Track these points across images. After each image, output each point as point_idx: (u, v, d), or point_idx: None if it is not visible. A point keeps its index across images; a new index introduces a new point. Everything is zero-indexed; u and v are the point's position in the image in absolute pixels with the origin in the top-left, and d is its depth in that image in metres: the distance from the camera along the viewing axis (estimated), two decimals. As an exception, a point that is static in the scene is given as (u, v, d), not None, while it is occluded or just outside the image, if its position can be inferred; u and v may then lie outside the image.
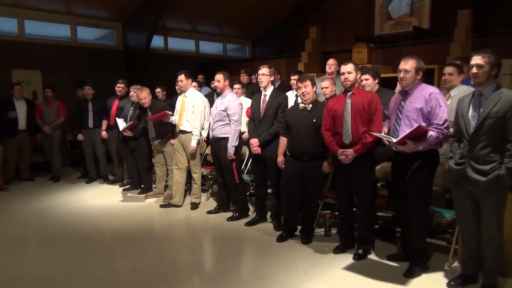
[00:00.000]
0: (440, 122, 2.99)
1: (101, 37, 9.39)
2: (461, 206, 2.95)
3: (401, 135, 3.03)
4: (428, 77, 5.44)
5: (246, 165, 5.38)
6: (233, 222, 4.68)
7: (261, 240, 4.12)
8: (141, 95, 5.45)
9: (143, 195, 5.87)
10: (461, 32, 6.68)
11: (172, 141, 5.42)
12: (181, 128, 5.09)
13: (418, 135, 2.98)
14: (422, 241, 3.26)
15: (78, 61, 8.66)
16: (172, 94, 6.59)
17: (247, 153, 5.18)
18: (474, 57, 2.78)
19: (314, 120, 3.77)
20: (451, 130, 3.12)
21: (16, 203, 5.63)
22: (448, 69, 3.87)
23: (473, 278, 3.02)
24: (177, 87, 5.74)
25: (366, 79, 4.09)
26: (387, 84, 4.50)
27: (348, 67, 3.53)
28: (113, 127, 6.44)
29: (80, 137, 6.79)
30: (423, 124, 3.04)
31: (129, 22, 9.28)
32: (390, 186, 4.05)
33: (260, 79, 4.39)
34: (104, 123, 6.63)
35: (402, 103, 3.20)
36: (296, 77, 4.79)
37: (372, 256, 3.62)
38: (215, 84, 4.82)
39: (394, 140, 3.05)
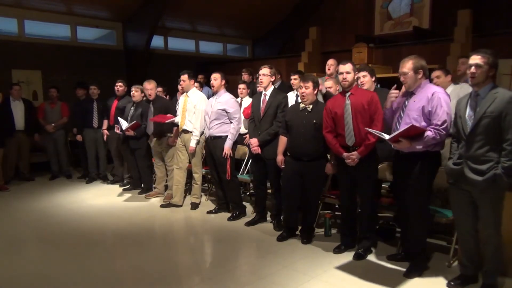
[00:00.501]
0: (439, 123, 2.96)
1: (101, 37, 9.40)
2: (458, 207, 2.95)
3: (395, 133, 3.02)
4: (428, 77, 5.43)
5: (246, 165, 5.39)
6: (233, 222, 4.68)
7: (261, 240, 4.12)
8: (148, 86, 5.54)
9: (143, 195, 5.87)
10: (461, 32, 6.69)
11: (171, 141, 5.42)
12: (184, 127, 5.09)
13: (413, 134, 2.96)
14: (422, 241, 3.25)
15: (78, 61, 8.66)
16: (172, 94, 6.60)
17: (247, 153, 5.18)
18: (473, 56, 2.75)
19: (314, 121, 3.76)
20: (451, 130, 3.12)
21: (16, 203, 5.63)
22: (435, 73, 4.28)
23: (473, 278, 3.02)
24: (179, 87, 5.74)
25: (364, 76, 3.96)
26: (387, 84, 4.49)
27: (346, 67, 3.49)
28: (112, 127, 6.44)
29: (79, 137, 6.78)
30: (423, 123, 3.03)
31: (129, 22, 9.29)
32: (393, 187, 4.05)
33: (260, 79, 4.39)
34: (105, 122, 6.62)
35: (406, 102, 3.19)
36: (296, 77, 4.77)
37: (372, 256, 3.62)
38: (212, 82, 4.80)
39: (387, 137, 3.04)
